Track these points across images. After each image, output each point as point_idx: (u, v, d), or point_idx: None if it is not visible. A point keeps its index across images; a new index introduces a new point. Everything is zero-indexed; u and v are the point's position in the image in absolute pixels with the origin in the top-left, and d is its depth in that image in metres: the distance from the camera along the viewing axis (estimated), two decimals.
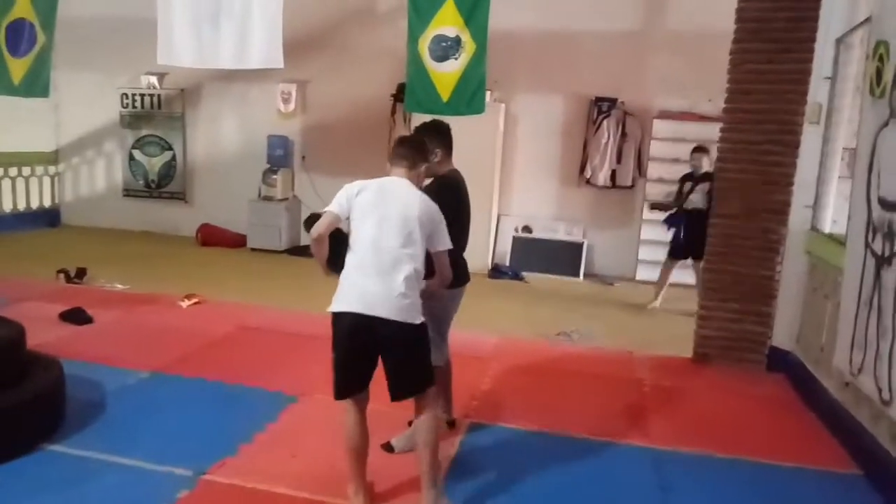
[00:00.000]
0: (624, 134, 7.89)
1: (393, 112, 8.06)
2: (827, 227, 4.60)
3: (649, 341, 5.50)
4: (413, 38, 4.77)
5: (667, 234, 6.66)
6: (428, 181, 3.23)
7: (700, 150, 6.42)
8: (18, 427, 3.07)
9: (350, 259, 2.68)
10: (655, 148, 7.75)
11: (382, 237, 2.63)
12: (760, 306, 4.85)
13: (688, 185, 6.40)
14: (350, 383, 2.72)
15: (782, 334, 4.83)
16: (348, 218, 2.69)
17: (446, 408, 3.60)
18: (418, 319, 2.68)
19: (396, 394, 2.74)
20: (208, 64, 5.44)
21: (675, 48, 7.47)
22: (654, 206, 7.02)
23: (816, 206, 4.66)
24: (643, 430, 3.77)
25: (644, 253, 7.77)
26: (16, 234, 8.84)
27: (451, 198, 3.17)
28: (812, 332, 4.47)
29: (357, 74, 8.36)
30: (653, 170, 7.78)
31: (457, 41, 4.69)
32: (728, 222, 4.84)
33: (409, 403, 2.83)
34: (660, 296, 6.67)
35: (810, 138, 4.63)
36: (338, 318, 2.66)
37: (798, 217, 4.71)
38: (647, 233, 7.70)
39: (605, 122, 7.85)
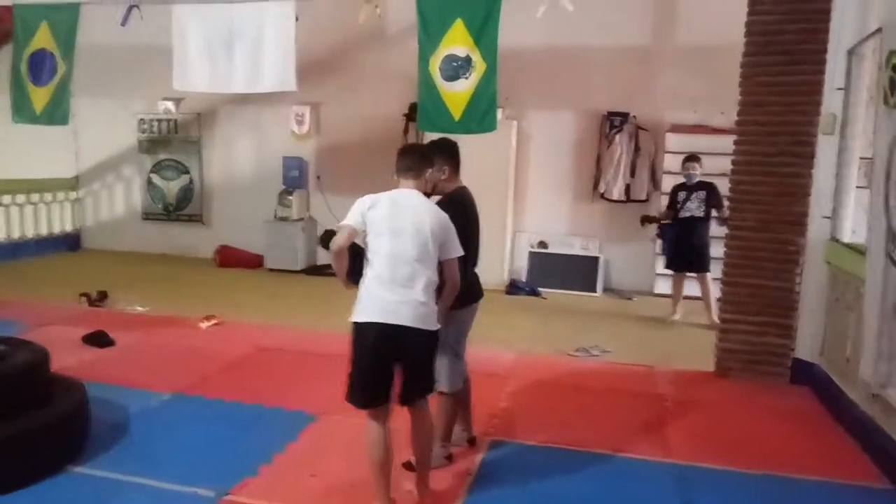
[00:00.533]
0: (637, 148, 7.89)
1: (406, 131, 8.13)
2: (847, 237, 4.56)
3: (670, 355, 5.45)
4: (424, 59, 4.84)
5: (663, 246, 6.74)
6: (436, 198, 3.28)
7: (692, 158, 6.49)
8: (43, 449, 3.11)
9: (369, 272, 2.77)
10: (669, 161, 7.73)
11: (399, 249, 2.72)
12: (782, 318, 4.80)
13: (681, 195, 6.48)
14: (375, 392, 2.76)
15: (806, 346, 4.78)
16: (364, 231, 2.77)
17: (466, 425, 3.60)
18: (434, 326, 2.81)
19: (409, 398, 2.85)
20: (222, 88, 5.55)
21: (686, 62, 7.49)
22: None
23: (835, 216, 4.62)
24: (665, 446, 3.73)
25: (661, 266, 7.71)
26: (38, 259, 9.01)
27: (458, 214, 3.20)
28: (836, 344, 4.42)
29: (369, 95, 8.47)
30: (667, 183, 7.73)
31: (467, 61, 4.75)
32: (744, 234, 4.82)
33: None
34: (678, 308, 6.64)
35: (826, 149, 4.61)
36: (361, 328, 2.73)
37: (816, 228, 4.68)
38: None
39: (617, 137, 7.86)
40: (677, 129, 7.73)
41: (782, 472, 3.43)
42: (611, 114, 7.90)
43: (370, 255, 2.77)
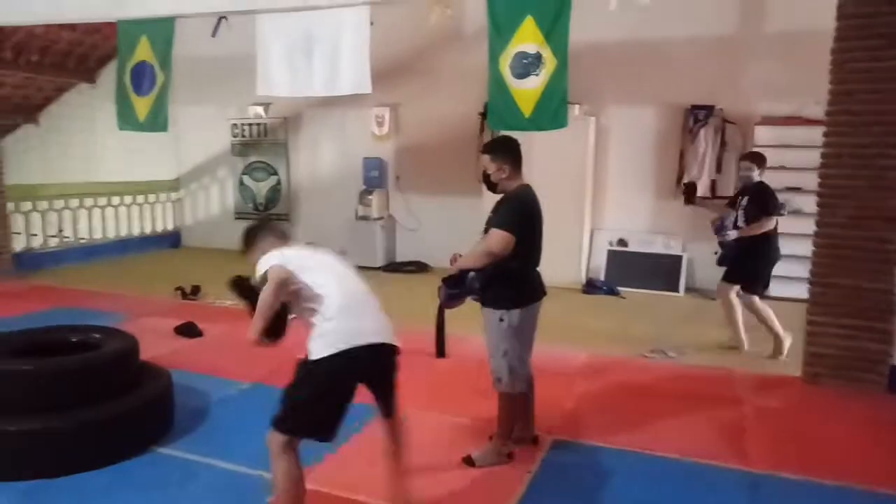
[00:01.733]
0: (723, 142, 7.55)
1: (482, 130, 8.15)
2: None
3: (753, 359, 5.19)
4: (494, 57, 4.82)
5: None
6: (498, 197, 3.30)
7: (749, 157, 5.42)
8: (132, 431, 3.38)
9: (324, 311, 2.62)
10: None
11: (344, 280, 2.73)
12: (878, 322, 4.46)
13: (739, 200, 5.35)
14: (341, 421, 2.66)
15: None
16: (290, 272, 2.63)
17: (527, 424, 3.58)
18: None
19: (391, 411, 2.85)
20: (302, 92, 5.75)
21: (776, 50, 7.09)
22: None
23: None
24: (739, 452, 3.56)
25: None
26: (142, 256, 9.73)
27: (519, 212, 3.23)
28: None
29: (446, 95, 8.54)
30: None
31: (537, 57, 4.69)
32: (835, 232, 4.51)
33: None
34: (742, 337, 5.40)
35: None
36: (348, 354, 2.57)
37: None
38: None
39: (702, 131, 7.54)
40: (768, 121, 7.33)
41: (868, 486, 3.20)
42: (694, 107, 7.59)
43: (315, 296, 2.61)
